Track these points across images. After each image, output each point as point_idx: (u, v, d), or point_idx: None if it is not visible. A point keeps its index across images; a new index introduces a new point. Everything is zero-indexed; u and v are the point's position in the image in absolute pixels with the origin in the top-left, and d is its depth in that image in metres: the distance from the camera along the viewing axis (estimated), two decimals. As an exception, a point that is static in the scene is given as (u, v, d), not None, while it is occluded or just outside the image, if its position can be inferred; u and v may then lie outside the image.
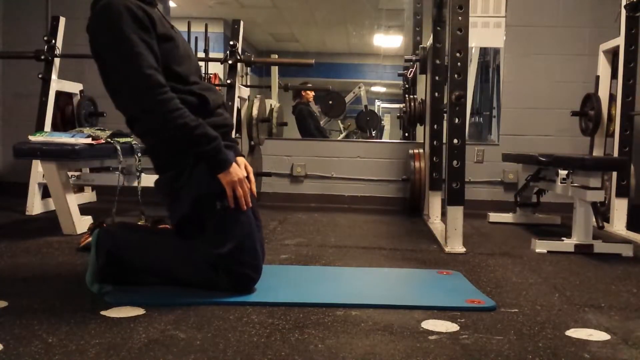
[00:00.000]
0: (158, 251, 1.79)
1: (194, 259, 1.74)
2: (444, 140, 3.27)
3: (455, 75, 2.59)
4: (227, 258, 1.70)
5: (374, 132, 5.07)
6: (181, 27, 2.43)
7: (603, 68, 3.75)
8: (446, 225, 2.61)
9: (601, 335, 1.46)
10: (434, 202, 3.55)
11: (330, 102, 5.19)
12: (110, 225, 1.93)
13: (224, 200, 1.70)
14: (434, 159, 3.58)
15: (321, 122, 5.20)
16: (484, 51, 4.49)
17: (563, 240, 2.65)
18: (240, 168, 1.76)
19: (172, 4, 4.86)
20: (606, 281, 2.08)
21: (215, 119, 1.79)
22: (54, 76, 3.63)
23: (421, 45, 3.83)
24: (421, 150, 3.94)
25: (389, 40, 5.15)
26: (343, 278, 2.02)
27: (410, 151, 4.00)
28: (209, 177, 1.70)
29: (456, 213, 2.58)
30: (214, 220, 1.72)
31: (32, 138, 2.77)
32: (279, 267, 2.16)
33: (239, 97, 3.78)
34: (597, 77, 3.79)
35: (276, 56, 4.84)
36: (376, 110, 5.16)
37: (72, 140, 2.69)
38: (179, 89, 1.72)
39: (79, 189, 3.87)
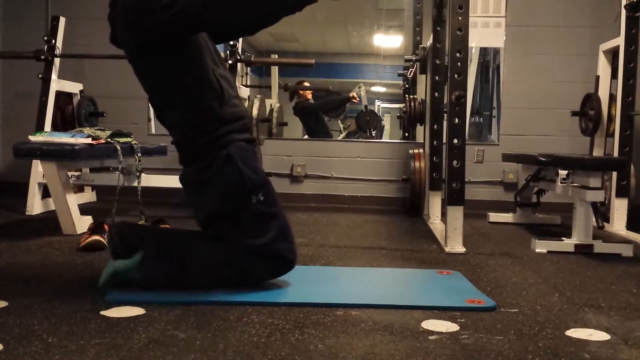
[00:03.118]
0: (194, 249, 1.80)
1: (229, 252, 1.76)
2: (444, 140, 3.27)
3: (455, 75, 2.59)
4: (269, 246, 1.74)
5: (374, 132, 5.06)
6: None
7: (603, 68, 3.75)
8: (446, 225, 2.61)
9: (601, 335, 1.46)
10: (434, 202, 3.55)
11: (330, 102, 5.20)
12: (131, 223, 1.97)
13: (258, 193, 1.76)
14: (434, 159, 3.58)
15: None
16: (484, 51, 4.49)
17: (563, 240, 2.65)
18: None
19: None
20: (606, 281, 2.08)
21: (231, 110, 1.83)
22: (54, 76, 3.63)
23: (421, 45, 3.83)
24: (421, 150, 3.94)
25: (389, 40, 5.14)
26: (343, 278, 2.02)
27: (410, 151, 4.00)
28: (239, 173, 1.73)
29: (456, 213, 2.57)
30: (252, 214, 1.75)
31: (32, 138, 2.77)
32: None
33: (239, 97, 3.78)
34: (597, 77, 3.79)
35: (276, 56, 4.84)
36: (376, 110, 5.16)
37: (72, 140, 2.69)
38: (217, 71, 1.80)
39: (79, 189, 3.87)
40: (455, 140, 2.59)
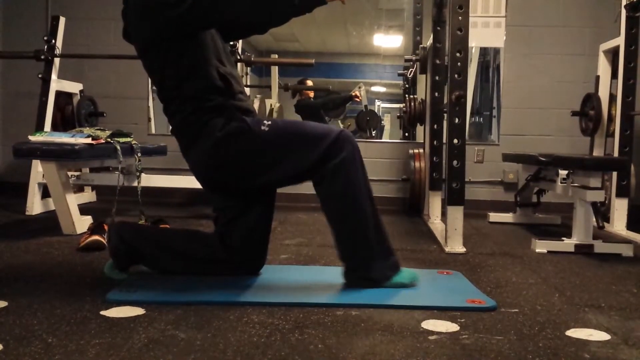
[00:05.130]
0: None
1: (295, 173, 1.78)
2: (444, 140, 3.27)
3: (456, 75, 2.59)
4: (320, 149, 1.73)
5: (374, 132, 5.06)
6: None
7: (603, 68, 3.75)
8: (446, 225, 2.61)
9: (601, 335, 1.46)
10: (434, 202, 3.55)
11: (330, 102, 5.19)
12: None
13: (263, 123, 1.79)
14: (434, 159, 3.58)
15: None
16: (484, 51, 4.49)
17: (563, 240, 2.65)
18: None
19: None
20: (606, 281, 2.08)
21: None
22: (53, 76, 3.63)
23: (421, 45, 3.83)
24: (421, 150, 3.94)
25: (389, 40, 5.14)
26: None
27: (410, 151, 4.00)
28: (239, 121, 1.78)
29: (456, 213, 2.57)
30: (281, 140, 1.77)
31: (32, 138, 2.77)
32: (279, 267, 2.16)
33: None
34: (597, 77, 3.79)
35: (276, 56, 4.84)
36: (376, 110, 5.16)
37: (72, 140, 2.69)
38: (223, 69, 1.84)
39: (79, 189, 3.87)
40: (456, 140, 2.59)
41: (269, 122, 1.80)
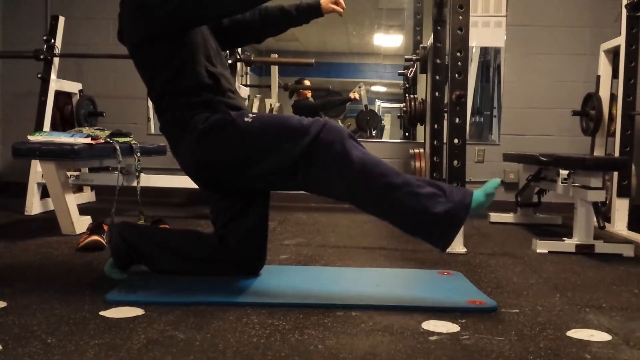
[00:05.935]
0: None
1: (278, 173, 1.74)
2: (445, 140, 3.26)
3: (456, 75, 2.59)
4: (310, 136, 1.68)
5: (374, 131, 5.06)
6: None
7: (604, 68, 3.74)
8: (446, 225, 2.60)
9: (602, 336, 1.45)
10: (434, 202, 3.54)
11: (330, 101, 5.19)
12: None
13: (247, 115, 1.77)
14: (435, 158, 3.57)
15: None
16: (484, 51, 4.49)
17: (564, 241, 2.65)
18: None
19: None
20: (607, 281, 2.07)
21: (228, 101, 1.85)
22: (53, 76, 3.62)
23: (421, 45, 3.83)
24: (421, 150, 3.93)
25: (389, 40, 5.15)
26: (343, 278, 2.01)
27: (411, 151, 3.99)
28: (221, 113, 1.76)
29: (457, 213, 2.56)
30: (264, 133, 1.74)
31: (31, 138, 2.76)
32: (279, 267, 2.15)
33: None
34: (598, 77, 3.78)
35: (276, 55, 4.84)
36: (376, 110, 5.16)
37: (71, 140, 2.68)
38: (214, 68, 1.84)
39: (78, 189, 3.87)
40: (456, 140, 2.58)
41: (253, 115, 1.79)
